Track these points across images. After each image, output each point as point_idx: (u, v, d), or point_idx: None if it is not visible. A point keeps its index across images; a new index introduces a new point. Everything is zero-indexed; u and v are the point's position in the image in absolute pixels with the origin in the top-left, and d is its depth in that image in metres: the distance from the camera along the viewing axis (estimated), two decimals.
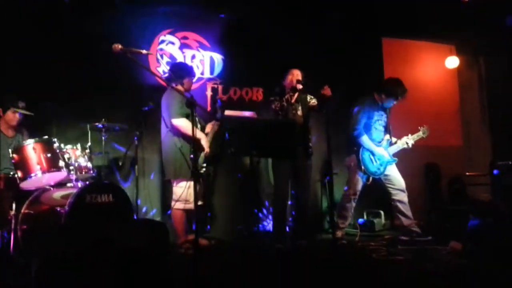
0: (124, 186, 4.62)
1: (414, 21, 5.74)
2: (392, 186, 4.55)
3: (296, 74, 4.34)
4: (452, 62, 6.41)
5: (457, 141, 6.48)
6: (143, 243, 2.66)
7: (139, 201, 4.56)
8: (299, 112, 4.29)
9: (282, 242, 4.13)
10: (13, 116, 4.02)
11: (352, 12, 5.59)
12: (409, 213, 4.52)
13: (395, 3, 5.38)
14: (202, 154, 4.05)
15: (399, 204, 4.51)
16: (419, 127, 4.75)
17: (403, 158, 4.72)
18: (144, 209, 4.81)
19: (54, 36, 4.55)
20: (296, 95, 4.28)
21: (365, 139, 4.46)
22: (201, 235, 4.25)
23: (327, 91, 3.98)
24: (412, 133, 4.71)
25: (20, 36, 4.43)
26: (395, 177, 4.56)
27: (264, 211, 5.23)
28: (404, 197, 4.53)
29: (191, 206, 3.93)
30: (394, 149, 4.63)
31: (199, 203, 4.06)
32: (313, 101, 4.35)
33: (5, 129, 4.06)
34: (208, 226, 4.94)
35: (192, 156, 3.80)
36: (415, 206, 4.67)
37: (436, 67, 6.48)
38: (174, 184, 4.09)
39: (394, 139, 4.68)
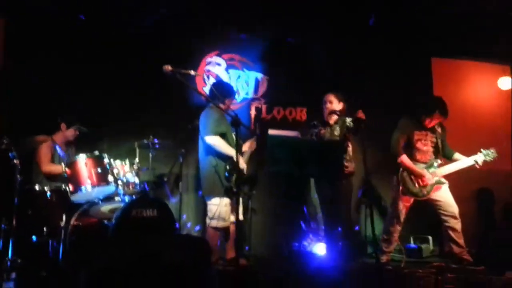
0: (170, 202, 4.72)
1: (466, 41, 5.57)
2: (444, 212, 4.33)
3: (330, 101, 4.31)
4: (505, 83, 6.13)
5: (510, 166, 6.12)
6: (186, 258, 2.68)
7: (183, 217, 4.63)
8: (336, 133, 4.28)
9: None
10: (74, 132, 4.27)
11: (400, 32, 5.51)
12: (460, 240, 4.29)
13: (446, 22, 5.25)
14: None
15: (450, 232, 4.29)
16: (481, 150, 4.44)
17: (454, 183, 4.49)
18: (188, 225, 4.87)
19: (105, 58, 4.81)
20: (334, 117, 4.29)
21: (403, 159, 4.31)
22: (239, 253, 4.22)
23: (361, 114, 3.95)
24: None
25: (73, 58, 4.71)
26: (447, 202, 4.34)
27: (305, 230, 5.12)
28: (456, 224, 4.30)
29: (226, 224, 3.94)
30: (452, 168, 4.41)
31: (240, 218, 4.02)
32: (349, 123, 4.24)
33: (61, 143, 4.28)
34: (247, 247, 4.90)
35: (227, 174, 3.83)
36: (466, 233, 4.41)
37: (489, 88, 6.21)
38: (209, 202, 4.01)
39: (458, 156, 4.48)
